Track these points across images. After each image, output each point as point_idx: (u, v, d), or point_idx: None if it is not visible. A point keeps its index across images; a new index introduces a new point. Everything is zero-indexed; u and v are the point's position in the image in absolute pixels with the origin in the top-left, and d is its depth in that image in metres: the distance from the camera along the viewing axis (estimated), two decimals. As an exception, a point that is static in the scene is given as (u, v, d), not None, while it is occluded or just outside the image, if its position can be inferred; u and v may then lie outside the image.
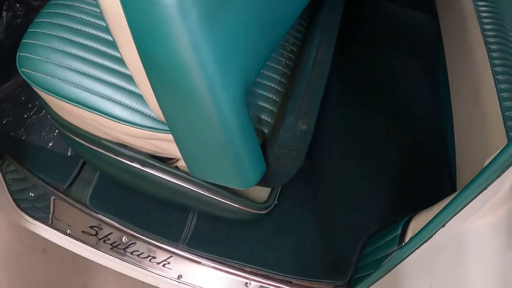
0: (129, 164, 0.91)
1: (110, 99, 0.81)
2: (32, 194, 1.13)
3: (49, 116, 0.97)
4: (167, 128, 0.78)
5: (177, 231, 1.10)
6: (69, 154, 1.17)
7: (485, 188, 0.60)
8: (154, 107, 0.71)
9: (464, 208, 0.65)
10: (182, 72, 0.56)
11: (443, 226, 0.70)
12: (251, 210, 0.95)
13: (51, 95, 0.82)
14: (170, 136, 0.79)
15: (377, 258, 0.96)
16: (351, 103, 1.37)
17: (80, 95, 0.81)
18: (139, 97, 0.81)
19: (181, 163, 0.90)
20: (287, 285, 1.05)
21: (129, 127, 0.80)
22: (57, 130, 1.19)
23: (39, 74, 0.83)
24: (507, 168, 0.56)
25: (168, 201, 1.10)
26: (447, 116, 1.31)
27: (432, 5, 1.57)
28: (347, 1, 1.09)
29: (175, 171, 0.90)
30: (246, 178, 0.76)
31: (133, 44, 0.58)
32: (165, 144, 0.83)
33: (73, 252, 1.15)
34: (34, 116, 1.22)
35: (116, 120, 0.80)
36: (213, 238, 1.10)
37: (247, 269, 1.07)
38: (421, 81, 1.44)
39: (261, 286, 1.06)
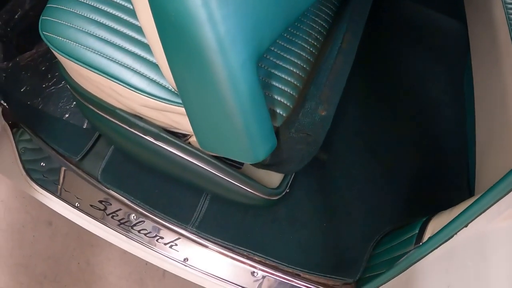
0: (143, 137, 0.89)
1: (129, 68, 0.79)
2: (44, 164, 1.12)
3: (67, 85, 0.96)
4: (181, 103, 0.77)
5: (187, 213, 1.07)
6: (84, 127, 1.15)
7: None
8: (167, 74, 0.69)
9: (490, 208, 0.62)
10: (191, 29, 0.54)
11: (466, 226, 0.67)
12: (261, 195, 0.92)
13: (70, 60, 0.81)
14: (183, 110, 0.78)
15: (390, 257, 0.93)
16: (373, 101, 1.34)
17: (100, 61, 0.80)
18: (158, 68, 0.79)
19: (194, 139, 0.88)
20: (295, 278, 1.03)
21: (144, 97, 0.78)
22: (74, 102, 1.18)
23: (60, 38, 0.82)
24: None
25: (179, 180, 1.07)
26: (470, 120, 1.28)
27: (461, 10, 1.54)
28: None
29: (187, 147, 0.87)
30: (255, 150, 0.72)
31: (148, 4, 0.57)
32: (179, 117, 0.81)
33: (78, 227, 1.13)
34: (53, 87, 1.21)
35: (133, 89, 0.78)
36: (224, 223, 1.07)
37: (256, 258, 1.05)
38: (445, 83, 1.42)
39: (268, 276, 1.04)
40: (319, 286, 1.02)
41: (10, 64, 1.24)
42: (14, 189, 1.40)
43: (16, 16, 1.30)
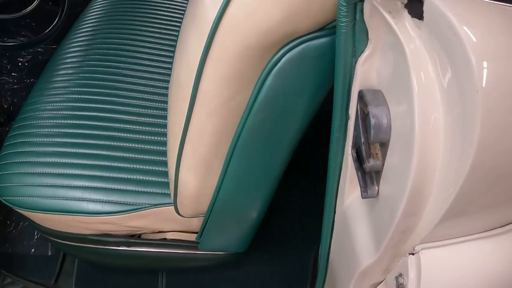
0: (116, 249, 1.14)
1: (82, 199, 1.02)
2: (27, 296, 1.37)
3: (39, 232, 1.20)
4: (133, 208, 1.01)
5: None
6: (49, 254, 1.42)
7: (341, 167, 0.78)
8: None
9: (338, 191, 0.82)
10: None
11: (335, 212, 0.87)
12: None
13: (34, 212, 1.03)
14: (139, 213, 1.03)
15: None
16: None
17: (57, 203, 1.01)
18: (103, 189, 1.03)
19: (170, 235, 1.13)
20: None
21: (104, 217, 1.01)
22: (36, 237, 1.45)
23: (18, 197, 1.03)
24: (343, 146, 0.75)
25: (142, 269, 1.36)
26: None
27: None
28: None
29: (159, 242, 1.13)
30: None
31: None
32: (137, 221, 1.05)
33: None
34: (14, 230, 1.48)
35: (92, 214, 1.01)
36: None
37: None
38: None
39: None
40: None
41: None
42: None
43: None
